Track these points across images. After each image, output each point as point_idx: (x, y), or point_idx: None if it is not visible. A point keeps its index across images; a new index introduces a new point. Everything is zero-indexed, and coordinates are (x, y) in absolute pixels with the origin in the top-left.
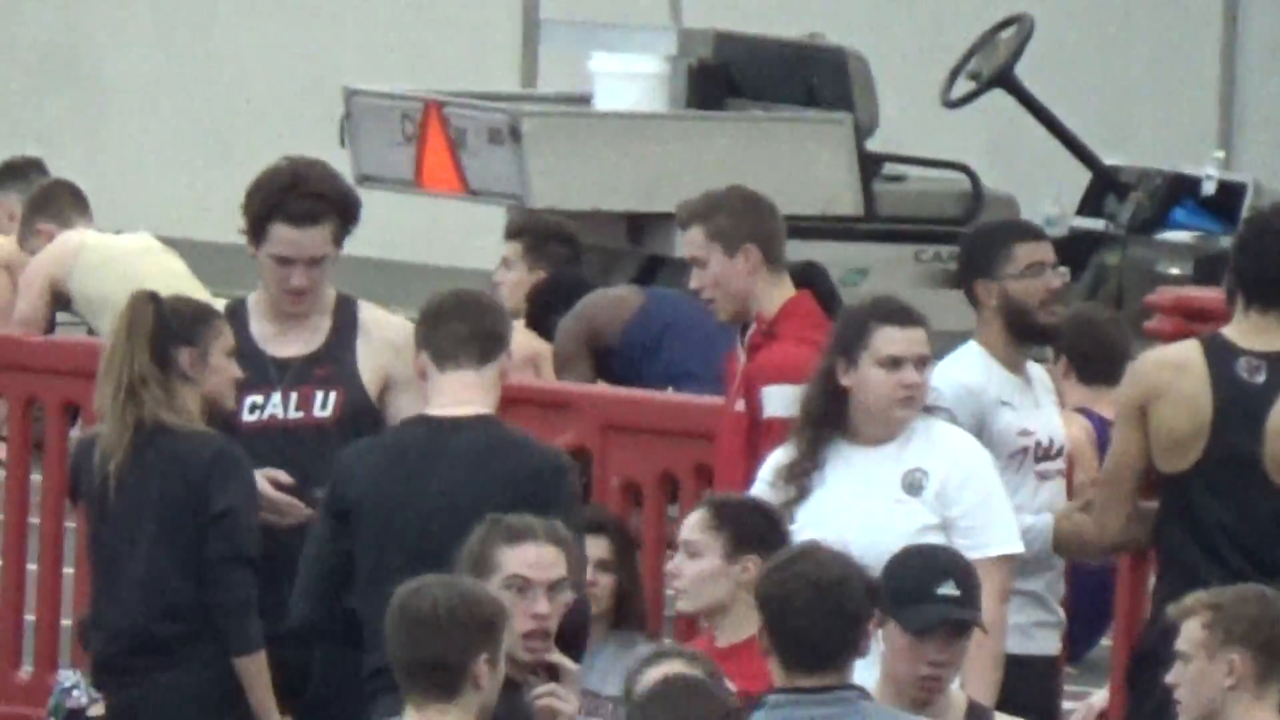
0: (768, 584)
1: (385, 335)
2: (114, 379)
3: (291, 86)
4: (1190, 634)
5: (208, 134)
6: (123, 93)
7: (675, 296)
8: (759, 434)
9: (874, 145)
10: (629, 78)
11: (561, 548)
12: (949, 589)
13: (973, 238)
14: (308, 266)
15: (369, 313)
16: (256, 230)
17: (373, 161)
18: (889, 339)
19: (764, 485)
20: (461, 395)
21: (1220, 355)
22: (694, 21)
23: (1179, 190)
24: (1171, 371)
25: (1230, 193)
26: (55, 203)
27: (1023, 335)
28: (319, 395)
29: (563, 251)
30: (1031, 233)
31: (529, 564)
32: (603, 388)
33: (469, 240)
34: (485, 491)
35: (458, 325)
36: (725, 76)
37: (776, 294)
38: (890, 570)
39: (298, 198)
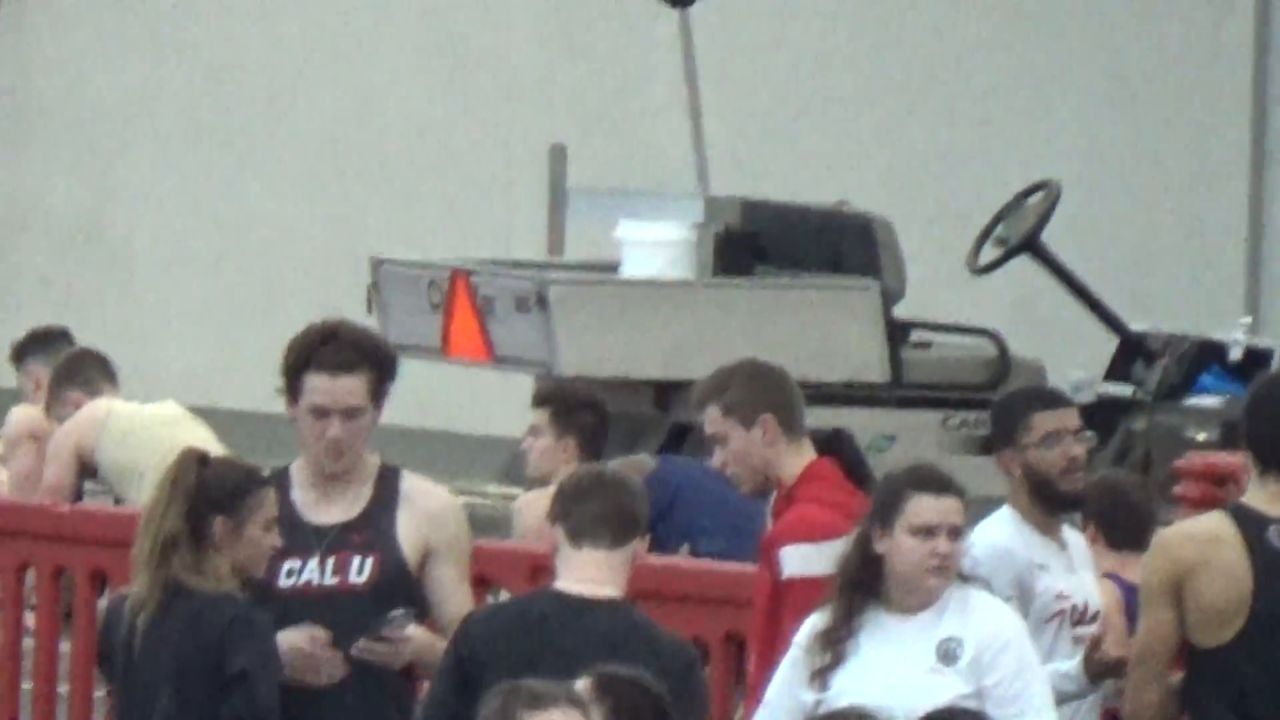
0: None
1: (426, 505)
2: (151, 535)
3: (319, 254)
4: None
5: (235, 302)
6: (150, 261)
7: (687, 461)
8: (780, 596)
9: (901, 311)
10: (656, 245)
11: (582, 713)
12: None
13: (996, 408)
14: (344, 419)
15: (412, 482)
16: (293, 385)
17: (400, 330)
18: (922, 507)
19: (799, 650)
20: (593, 574)
21: (1251, 525)
22: (721, 189)
23: (1206, 356)
24: (1204, 545)
25: (1257, 358)
26: (82, 372)
27: (1047, 503)
28: (356, 561)
29: (590, 419)
30: (1050, 400)
31: None
32: None
33: (497, 408)
34: None
35: (596, 504)
36: (752, 244)
37: (797, 461)
38: None
39: (333, 348)
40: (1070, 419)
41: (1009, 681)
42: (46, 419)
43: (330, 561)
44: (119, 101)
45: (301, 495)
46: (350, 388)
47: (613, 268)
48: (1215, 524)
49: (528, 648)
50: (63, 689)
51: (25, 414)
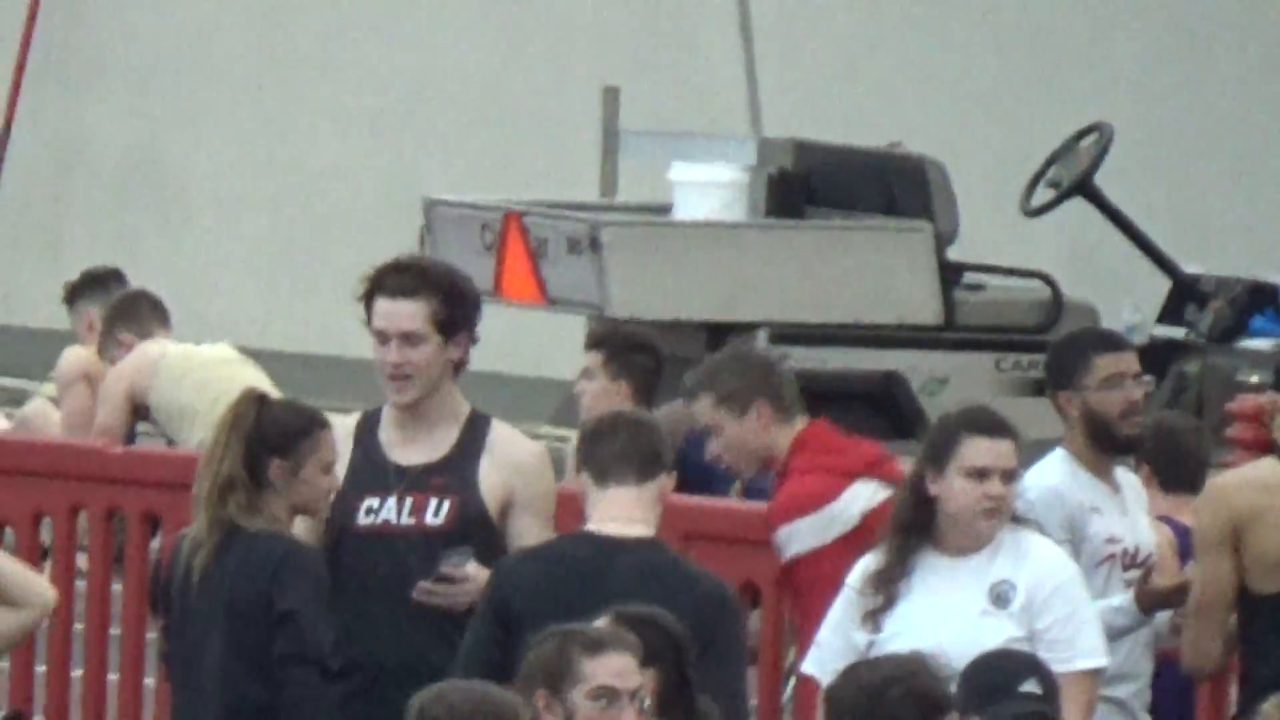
0: (831, 689)
1: (512, 454)
2: (210, 475)
3: (371, 197)
4: None
5: (287, 244)
6: (202, 203)
7: None
8: (789, 576)
9: (954, 254)
10: (709, 187)
11: (634, 655)
12: (1032, 686)
13: (1056, 349)
14: (402, 344)
15: (500, 431)
16: (367, 314)
17: None
18: (976, 450)
19: (852, 592)
20: (622, 512)
21: None
22: (773, 131)
23: (1259, 298)
24: (1262, 493)
25: None
26: (135, 313)
27: (1104, 446)
28: (433, 503)
29: (644, 361)
30: (1113, 344)
31: (615, 673)
32: (683, 497)
33: (549, 350)
34: None
35: (617, 443)
36: (805, 185)
37: (788, 438)
38: (973, 670)
39: (398, 274)
40: (1131, 362)
41: (1061, 625)
42: (99, 360)
43: (408, 501)
44: (174, 43)
45: (387, 435)
46: (408, 312)
47: (665, 210)
48: (1271, 470)
49: (564, 591)
50: (115, 631)
51: (78, 355)
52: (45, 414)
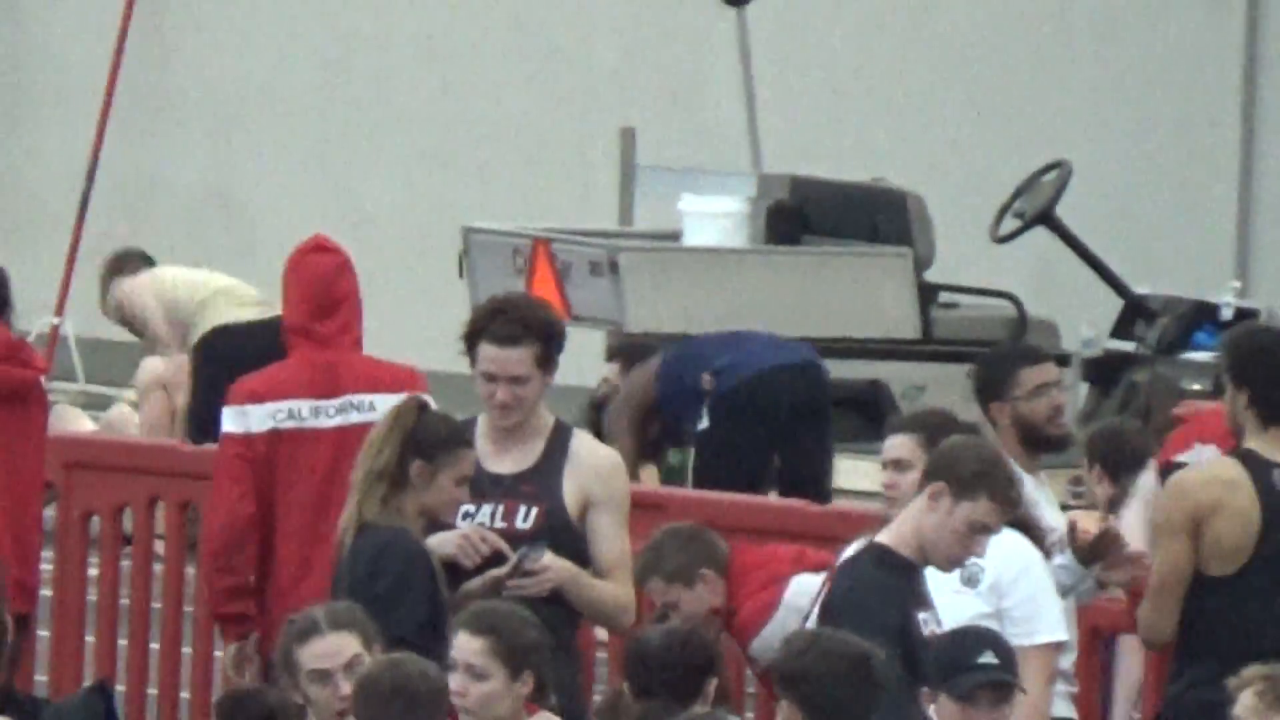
0: (795, 665)
1: (592, 462)
2: (366, 464)
3: (416, 227)
4: (1245, 703)
5: None
6: (269, 236)
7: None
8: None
9: (931, 276)
10: (714, 217)
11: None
12: (989, 658)
13: (983, 365)
14: (509, 384)
15: (581, 441)
16: (470, 351)
17: (488, 291)
18: (888, 445)
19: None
20: None
21: (1260, 470)
22: (773, 167)
23: (1200, 315)
24: (1223, 489)
25: (1246, 318)
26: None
27: (1034, 447)
28: (522, 509)
29: None
30: (1035, 356)
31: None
32: (690, 491)
33: (573, 361)
34: None
35: None
36: (800, 216)
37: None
38: (937, 647)
39: (502, 322)
40: (1052, 372)
41: (1025, 604)
42: (171, 367)
43: (500, 508)
44: (246, 90)
45: (482, 446)
46: (516, 358)
47: (676, 237)
48: (1230, 469)
49: None
50: (188, 609)
51: (155, 365)
52: (126, 417)
